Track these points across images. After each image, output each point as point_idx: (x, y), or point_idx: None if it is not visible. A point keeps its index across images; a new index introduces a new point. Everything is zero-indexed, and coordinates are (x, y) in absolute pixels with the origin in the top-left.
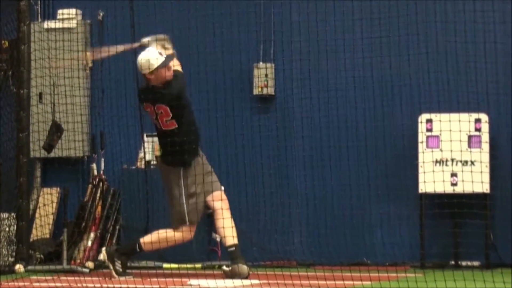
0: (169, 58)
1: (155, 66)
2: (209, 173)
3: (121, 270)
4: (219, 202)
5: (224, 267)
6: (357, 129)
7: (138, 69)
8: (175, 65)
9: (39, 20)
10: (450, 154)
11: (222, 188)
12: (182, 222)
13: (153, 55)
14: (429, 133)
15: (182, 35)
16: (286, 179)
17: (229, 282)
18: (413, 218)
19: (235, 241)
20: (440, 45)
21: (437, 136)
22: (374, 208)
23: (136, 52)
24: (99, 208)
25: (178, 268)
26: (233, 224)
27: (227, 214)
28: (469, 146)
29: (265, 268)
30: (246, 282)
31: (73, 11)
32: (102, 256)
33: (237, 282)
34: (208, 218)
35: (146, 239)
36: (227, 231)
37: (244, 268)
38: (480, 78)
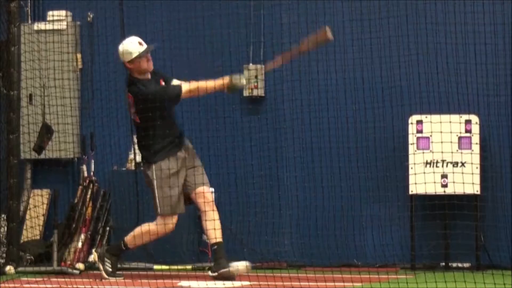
0: (149, 48)
1: (134, 55)
2: (197, 168)
3: (111, 270)
4: (203, 201)
5: (210, 273)
6: (347, 131)
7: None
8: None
9: (29, 21)
10: (441, 156)
11: (212, 189)
12: (157, 214)
13: (133, 43)
14: (419, 135)
15: (171, 36)
16: (276, 180)
17: (219, 283)
18: (403, 220)
19: (219, 239)
20: (430, 47)
21: (427, 138)
22: (364, 209)
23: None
24: (90, 209)
25: (169, 270)
26: (219, 225)
27: (212, 214)
28: (460, 147)
29: (255, 270)
30: (237, 283)
31: (63, 12)
32: (93, 257)
33: (228, 283)
34: (198, 220)
35: (129, 236)
36: (211, 231)
37: (233, 271)
38: (470, 79)
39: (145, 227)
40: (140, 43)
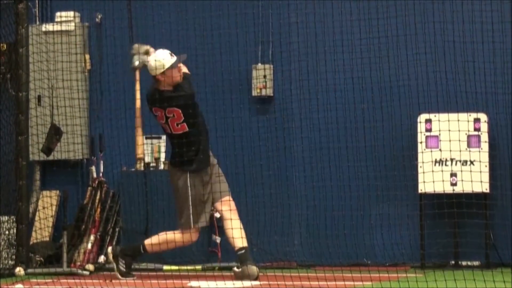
0: (179, 59)
1: (166, 66)
2: (220, 178)
3: (124, 270)
4: (227, 205)
5: (235, 268)
6: (356, 130)
7: (149, 71)
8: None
9: (37, 23)
10: (450, 154)
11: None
12: (188, 225)
13: (164, 55)
14: (428, 133)
15: (180, 37)
16: (285, 180)
17: (229, 283)
18: (412, 218)
19: (245, 243)
20: (439, 45)
21: (436, 136)
22: (373, 208)
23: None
24: (99, 210)
25: (178, 270)
26: (242, 227)
27: (235, 216)
28: (469, 146)
29: (265, 269)
30: (247, 283)
31: (71, 13)
32: (107, 255)
33: (238, 283)
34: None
35: (151, 241)
36: (236, 233)
37: (253, 269)
38: (478, 77)
39: (170, 236)
40: (171, 54)
